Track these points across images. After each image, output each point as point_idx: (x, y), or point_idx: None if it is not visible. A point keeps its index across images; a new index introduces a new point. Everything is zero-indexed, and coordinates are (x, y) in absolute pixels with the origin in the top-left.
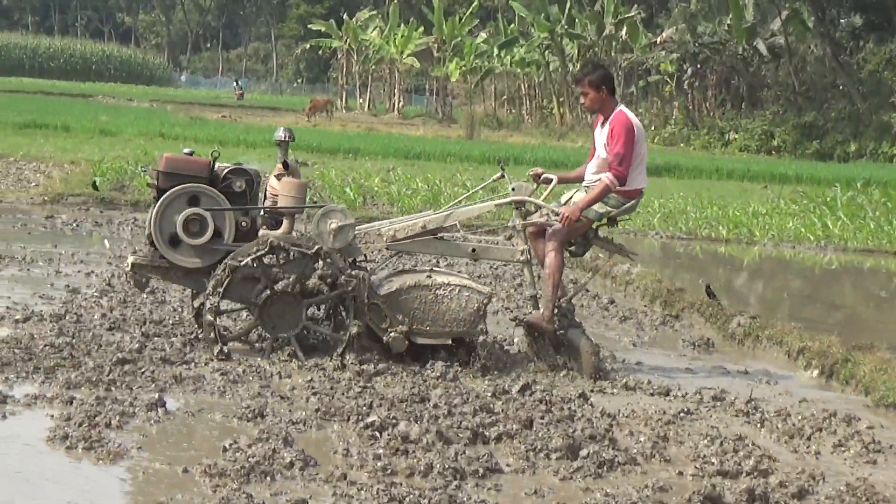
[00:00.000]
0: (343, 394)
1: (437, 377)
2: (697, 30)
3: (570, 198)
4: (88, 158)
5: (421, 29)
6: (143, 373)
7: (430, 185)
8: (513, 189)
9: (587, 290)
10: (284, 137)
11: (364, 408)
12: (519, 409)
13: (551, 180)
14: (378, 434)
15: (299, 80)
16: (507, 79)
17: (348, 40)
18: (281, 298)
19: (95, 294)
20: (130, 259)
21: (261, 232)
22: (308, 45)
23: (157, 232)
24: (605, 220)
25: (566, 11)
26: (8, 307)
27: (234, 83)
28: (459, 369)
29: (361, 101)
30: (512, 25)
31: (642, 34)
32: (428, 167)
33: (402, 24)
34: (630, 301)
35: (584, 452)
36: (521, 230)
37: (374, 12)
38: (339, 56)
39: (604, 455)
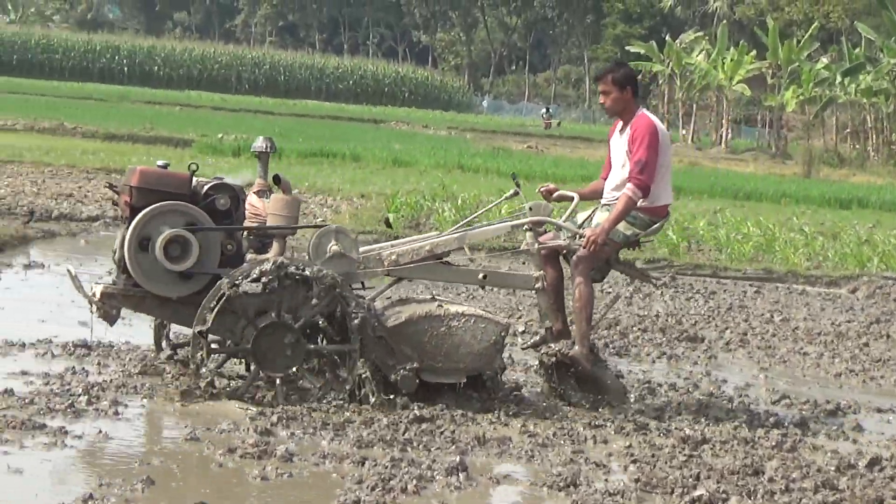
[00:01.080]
0: (666, 463)
1: (772, 447)
2: None
3: (588, 217)
4: (380, 192)
5: (753, 53)
6: (442, 432)
7: (762, 230)
8: (530, 209)
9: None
10: (265, 148)
11: (690, 479)
12: (867, 486)
13: (571, 198)
14: None
15: None
16: (851, 109)
17: (671, 64)
18: (279, 332)
19: None
20: (98, 288)
21: (248, 256)
22: None
23: (132, 256)
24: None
25: None
26: None
27: (545, 110)
28: (798, 438)
29: (684, 132)
30: (857, 50)
31: None
32: (760, 209)
33: (732, 48)
34: None
35: None
36: (536, 254)
37: (701, 34)
38: (660, 81)
39: None
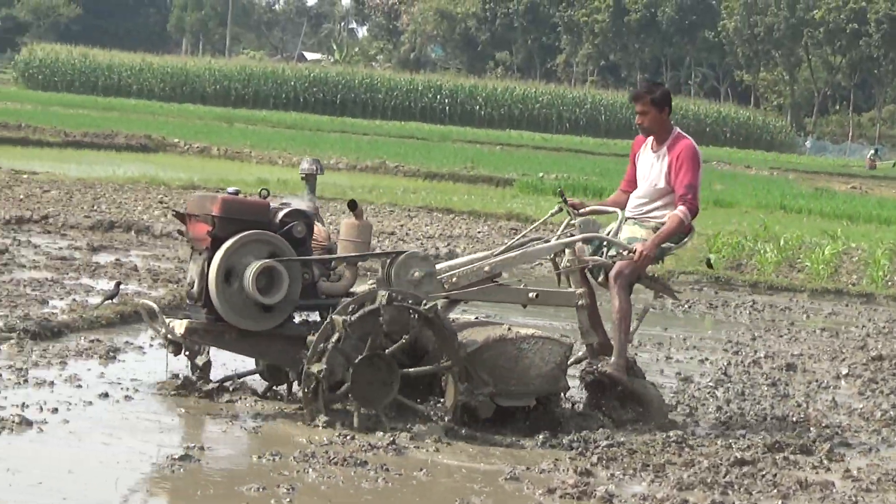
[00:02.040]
0: None
1: None
2: None
3: (612, 232)
4: (701, 232)
5: None
6: (763, 476)
7: None
8: (579, 225)
9: None
10: (315, 170)
11: None
12: None
13: (600, 212)
14: None
15: None
16: None
17: None
18: (376, 364)
19: (710, 384)
20: (181, 324)
21: (322, 285)
22: None
23: (219, 288)
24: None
25: None
26: None
27: (873, 151)
28: None
29: None
30: None
31: None
32: None
33: None
34: None
35: None
36: (577, 272)
37: None
38: None
39: None
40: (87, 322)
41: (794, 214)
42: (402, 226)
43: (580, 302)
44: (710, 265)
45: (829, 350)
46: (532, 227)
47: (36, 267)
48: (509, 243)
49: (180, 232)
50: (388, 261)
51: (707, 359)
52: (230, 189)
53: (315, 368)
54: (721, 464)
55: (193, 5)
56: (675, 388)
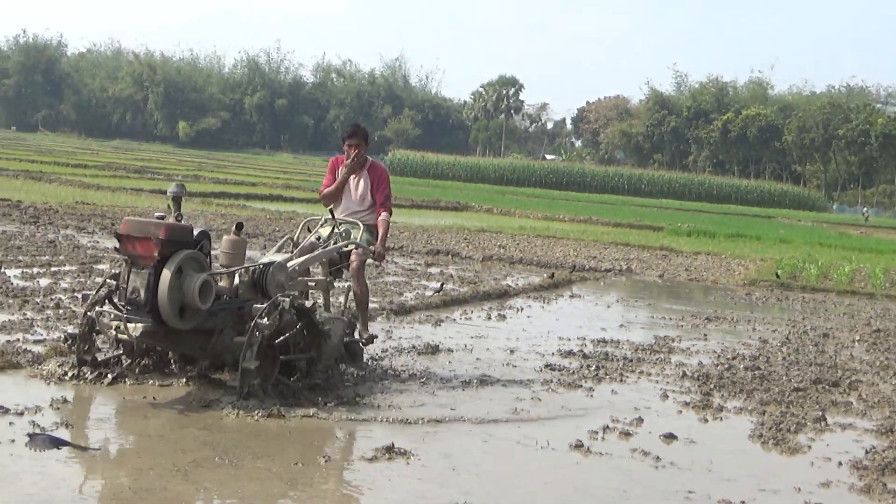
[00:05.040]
0: None
1: None
2: None
3: (335, 234)
4: (772, 257)
5: None
6: (810, 397)
7: None
8: (343, 232)
9: None
10: (181, 192)
11: None
12: None
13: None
14: None
15: None
16: None
17: None
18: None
19: (778, 344)
20: (137, 327)
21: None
22: None
23: (168, 299)
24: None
25: None
26: (723, 349)
27: (865, 209)
28: None
29: None
30: None
31: None
32: None
33: None
34: None
35: None
36: (325, 263)
37: None
38: None
39: None
40: (425, 304)
41: (826, 248)
42: (599, 252)
43: (329, 286)
44: (777, 276)
45: (848, 326)
46: (312, 235)
47: (396, 274)
48: (279, 244)
49: (117, 249)
50: (262, 269)
51: (776, 329)
52: (157, 213)
53: (249, 359)
54: (785, 390)
55: (483, 129)
56: (757, 347)
